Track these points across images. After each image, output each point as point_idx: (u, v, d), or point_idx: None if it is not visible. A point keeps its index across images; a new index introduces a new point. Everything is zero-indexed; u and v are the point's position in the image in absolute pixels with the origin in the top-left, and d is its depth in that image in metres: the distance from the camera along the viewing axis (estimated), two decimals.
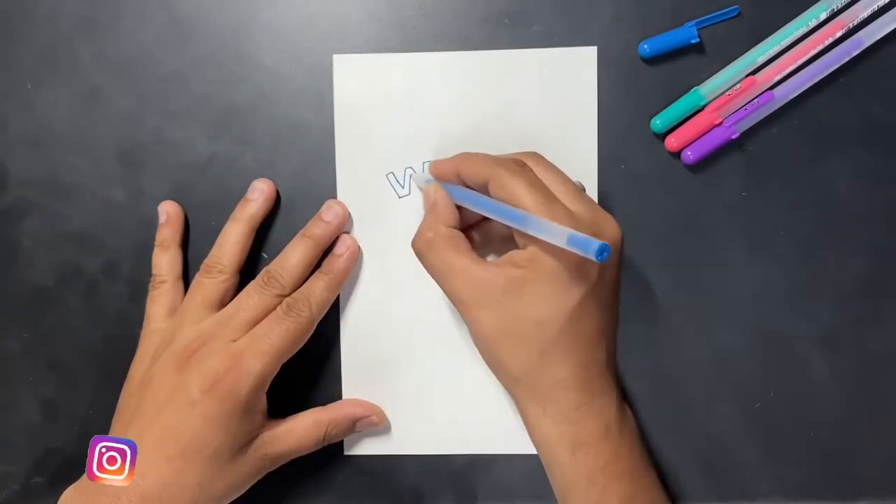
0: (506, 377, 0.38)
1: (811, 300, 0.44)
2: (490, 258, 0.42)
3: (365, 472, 0.45)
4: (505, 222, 0.36)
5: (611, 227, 0.37)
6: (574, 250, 0.32)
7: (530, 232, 0.35)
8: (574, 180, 0.38)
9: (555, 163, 0.41)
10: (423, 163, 0.43)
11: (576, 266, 0.35)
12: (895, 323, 0.44)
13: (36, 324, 0.45)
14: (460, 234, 0.38)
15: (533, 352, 0.36)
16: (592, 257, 0.31)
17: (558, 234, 0.33)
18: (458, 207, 0.39)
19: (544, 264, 0.35)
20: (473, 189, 0.39)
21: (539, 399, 0.37)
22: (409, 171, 0.43)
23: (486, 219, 0.40)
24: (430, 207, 0.39)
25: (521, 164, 0.37)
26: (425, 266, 0.39)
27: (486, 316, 0.36)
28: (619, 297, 0.39)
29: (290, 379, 0.43)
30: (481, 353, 0.39)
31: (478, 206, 0.38)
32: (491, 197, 0.37)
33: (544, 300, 0.35)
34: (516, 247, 0.37)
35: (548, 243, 0.35)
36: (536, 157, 0.39)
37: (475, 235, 0.41)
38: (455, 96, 0.43)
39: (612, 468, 0.37)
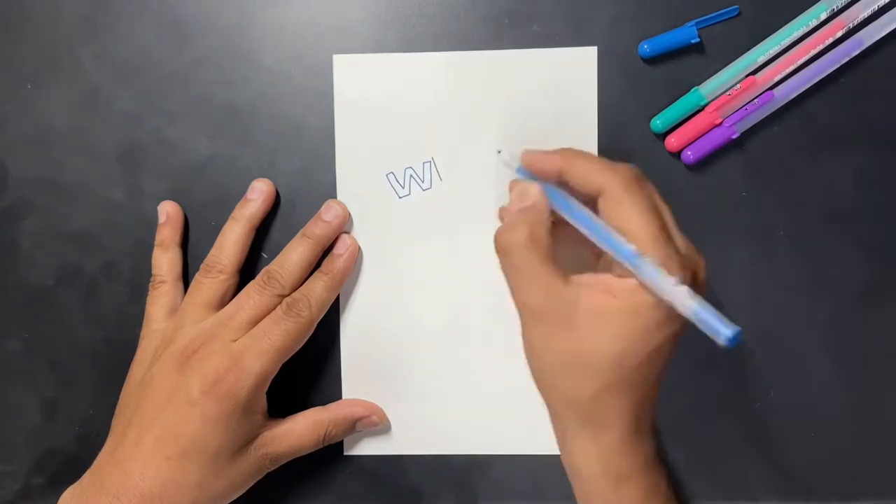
0: (558, 399, 0.35)
1: (811, 300, 0.44)
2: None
3: (365, 472, 0.45)
4: (614, 256, 0.32)
5: (702, 267, 0.34)
6: (699, 325, 0.30)
7: (644, 281, 0.32)
8: None
9: None
10: (424, 162, 0.43)
11: (672, 310, 0.32)
12: (895, 323, 0.44)
13: (36, 324, 0.45)
14: (551, 242, 0.34)
15: (600, 383, 0.33)
16: (720, 342, 0.29)
17: (685, 305, 0.30)
18: None
19: (643, 302, 0.32)
20: (574, 192, 0.35)
21: (591, 427, 0.35)
22: (410, 172, 0.43)
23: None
24: (529, 206, 0.35)
25: (640, 182, 0.33)
26: (505, 264, 0.35)
27: (556, 336, 0.34)
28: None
29: (290, 379, 0.43)
30: (536, 369, 0.35)
31: (584, 226, 0.34)
32: (598, 207, 0.34)
33: (630, 337, 0.33)
34: (591, 251, 0.35)
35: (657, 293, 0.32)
36: (641, 173, 0.35)
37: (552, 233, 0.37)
38: (455, 96, 0.43)
39: (651, 500, 0.35)
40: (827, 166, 0.43)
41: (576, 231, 0.34)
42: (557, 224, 0.36)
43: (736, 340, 0.29)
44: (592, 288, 0.33)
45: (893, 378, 0.44)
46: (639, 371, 0.33)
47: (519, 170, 0.37)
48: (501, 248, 0.35)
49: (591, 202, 0.34)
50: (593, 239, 0.33)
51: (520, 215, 0.35)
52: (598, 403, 0.34)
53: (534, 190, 0.35)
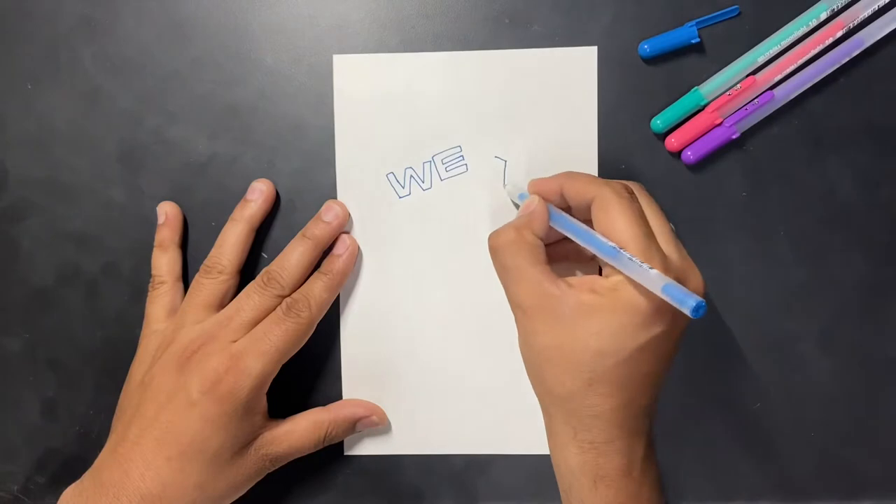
0: (545, 393, 0.37)
1: (811, 300, 0.44)
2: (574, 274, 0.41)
3: (365, 472, 0.45)
4: (597, 254, 0.35)
5: (696, 278, 0.36)
6: (667, 299, 0.32)
7: (622, 269, 0.34)
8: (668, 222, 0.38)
9: (555, 163, 0.41)
10: (424, 163, 0.43)
11: (655, 309, 0.34)
12: (895, 323, 0.44)
13: (36, 324, 0.45)
14: (542, 246, 0.37)
15: (581, 379, 0.35)
16: (687, 313, 0.31)
17: (653, 280, 0.32)
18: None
19: (625, 299, 0.34)
20: (573, 207, 0.38)
21: (573, 424, 0.36)
22: (410, 172, 0.43)
23: (568, 238, 0.39)
24: (527, 214, 0.38)
25: (629, 192, 0.36)
26: (496, 264, 0.38)
27: (544, 329, 0.35)
28: (678, 348, 0.37)
29: (290, 379, 0.43)
30: (526, 363, 0.38)
31: (572, 231, 0.37)
32: (591, 217, 0.36)
33: (611, 333, 0.34)
34: (590, 268, 0.37)
35: (634, 279, 0.34)
36: (640, 188, 0.38)
37: (554, 251, 0.40)
38: (455, 96, 0.43)
39: None
40: (827, 166, 0.43)
41: (577, 248, 0.37)
42: (561, 243, 0.40)
43: (701, 311, 0.31)
44: (579, 287, 0.35)
45: (893, 378, 0.44)
46: (622, 369, 0.34)
47: (521, 196, 0.40)
48: (491, 248, 0.38)
49: (586, 212, 0.37)
50: (580, 241, 0.36)
51: (514, 221, 0.38)
52: (580, 399, 0.35)
53: (535, 200, 0.39)
